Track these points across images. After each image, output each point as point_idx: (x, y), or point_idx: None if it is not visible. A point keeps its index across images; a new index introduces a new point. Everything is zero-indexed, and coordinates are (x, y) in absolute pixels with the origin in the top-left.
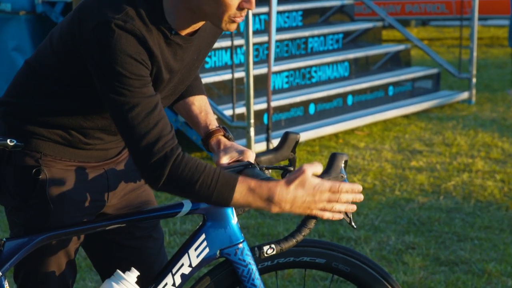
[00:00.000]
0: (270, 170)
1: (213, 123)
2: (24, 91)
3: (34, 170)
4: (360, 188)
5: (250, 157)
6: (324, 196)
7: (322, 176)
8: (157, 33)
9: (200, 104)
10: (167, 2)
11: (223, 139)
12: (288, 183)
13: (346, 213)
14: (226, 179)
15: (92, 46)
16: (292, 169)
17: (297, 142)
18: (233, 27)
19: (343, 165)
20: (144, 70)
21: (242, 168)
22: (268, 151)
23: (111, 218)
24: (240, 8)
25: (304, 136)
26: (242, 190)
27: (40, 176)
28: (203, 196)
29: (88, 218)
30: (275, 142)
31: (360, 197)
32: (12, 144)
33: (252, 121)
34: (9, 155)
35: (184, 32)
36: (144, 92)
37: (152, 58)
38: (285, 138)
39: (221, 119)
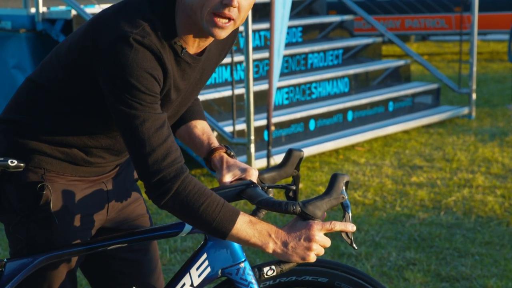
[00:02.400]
0: (272, 190)
1: (215, 143)
2: (27, 109)
3: (38, 186)
4: (353, 228)
5: (253, 175)
6: (320, 237)
7: (323, 197)
8: (169, 50)
9: (202, 127)
10: (178, 18)
11: (225, 156)
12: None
13: (347, 234)
14: (230, 208)
15: (109, 59)
16: (294, 188)
17: (301, 159)
18: (218, 31)
19: (344, 186)
20: (157, 87)
21: (244, 187)
22: (271, 168)
23: (114, 238)
24: (222, 4)
25: (304, 152)
26: (243, 222)
27: (45, 192)
28: (204, 220)
29: (89, 233)
30: (275, 158)
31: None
32: (13, 164)
33: (252, 137)
34: (11, 172)
35: (192, 51)
36: (155, 108)
37: (166, 75)
38: (288, 155)
39: (221, 135)
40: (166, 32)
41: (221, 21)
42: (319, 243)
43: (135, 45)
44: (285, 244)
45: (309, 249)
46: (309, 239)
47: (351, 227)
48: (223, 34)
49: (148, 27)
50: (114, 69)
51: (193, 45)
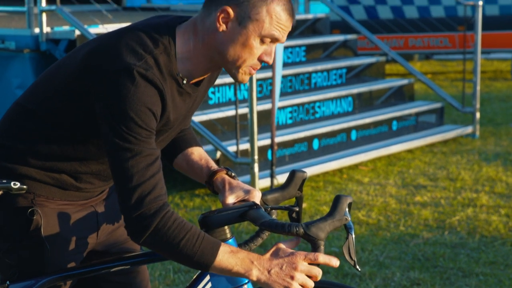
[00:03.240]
0: (275, 211)
1: (215, 165)
2: (16, 134)
3: (29, 211)
4: (337, 263)
5: (256, 197)
6: (303, 267)
7: (326, 218)
8: (171, 81)
9: (198, 153)
10: (182, 50)
11: (227, 178)
12: (265, 253)
13: (350, 256)
14: (211, 240)
15: (109, 90)
16: (297, 209)
17: (304, 180)
18: (246, 78)
19: (347, 207)
20: (154, 122)
21: (247, 209)
22: (274, 189)
23: (115, 260)
24: (259, 59)
25: (308, 172)
26: (224, 252)
27: (35, 217)
28: (185, 254)
29: (80, 256)
30: (279, 178)
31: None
32: (16, 186)
33: (256, 157)
34: (0, 198)
35: (192, 81)
36: (149, 143)
37: (164, 110)
38: (291, 176)
39: (225, 155)
40: (167, 64)
41: (254, 71)
42: (304, 272)
43: (137, 78)
44: (268, 271)
45: (292, 277)
46: (291, 267)
47: (334, 262)
48: (247, 79)
49: (151, 59)
50: (113, 101)
51: (196, 76)
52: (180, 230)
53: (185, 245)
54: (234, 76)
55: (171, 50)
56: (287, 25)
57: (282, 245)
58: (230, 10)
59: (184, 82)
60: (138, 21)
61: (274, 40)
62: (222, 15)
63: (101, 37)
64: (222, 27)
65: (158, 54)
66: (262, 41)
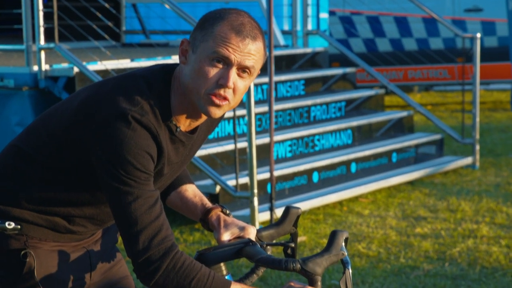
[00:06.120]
0: (270, 247)
1: (209, 203)
2: (11, 175)
3: (22, 253)
4: None
5: (251, 233)
6: None
7: (322, 253)
8: (165, 128)
9: (193, 190)
10: (173, 98)
11: (222, 215)
12: None
13: None
14: (221, 280)
15: (105, 134)
16: (292, 245)
17: (298, 217)
18: (214, 110)
19: (343, 242)
20: (151, 165)
21: (243, 246)
22: (269, 226)
23: None
24: (219, 84)
25: (308, 205)
26: None
27: (28, 259)
28: None
29: None
30: (278, 212)
31: None
32: (10, 227)
33: (255, 191)
34: None
35: (184, 129)
36: (149, 185)
37: (160, 154)
38: (286, 212)
39: (224, 189)
40: (162, 111)
41: (217, 100)
42: None
43: (133, 122)
44: None
45: None
46: None
47: None
48: (218, 112)
49: (146, 105)
50: (110, 145)
51: (185, 124)
52: (191, 270)
53: (196, 286)
54: (201, 109)
55: (166, 97)
56: (237, 44)
57: (293, 283)
58: (186, 41)
59: (178, 130)
60: (138, 68)
61: (224, 60)
62: (182, 47)
63: (98, 83)
64: (182, 59)
65: (153, 100)
66: (212, 63)
